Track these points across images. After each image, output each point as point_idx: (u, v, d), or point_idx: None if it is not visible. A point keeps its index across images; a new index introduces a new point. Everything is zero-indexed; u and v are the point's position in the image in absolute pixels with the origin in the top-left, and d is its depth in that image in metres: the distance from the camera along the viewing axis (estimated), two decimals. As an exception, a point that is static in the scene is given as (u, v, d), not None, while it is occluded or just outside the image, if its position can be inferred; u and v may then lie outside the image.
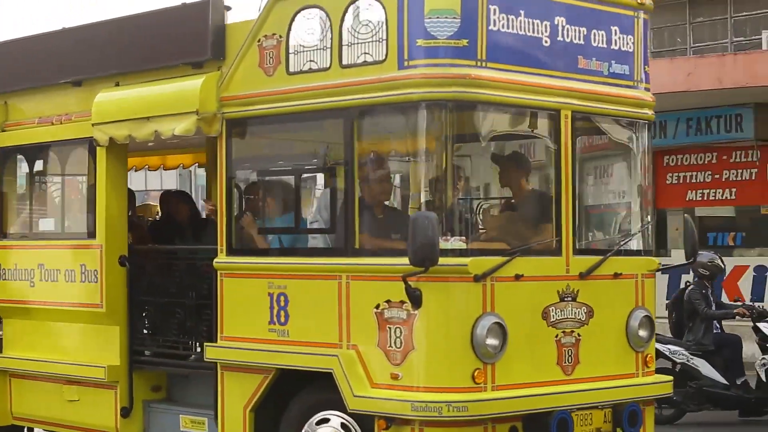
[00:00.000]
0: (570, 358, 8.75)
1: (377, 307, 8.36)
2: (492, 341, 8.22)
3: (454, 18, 8.22)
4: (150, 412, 10.36)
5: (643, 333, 9.19)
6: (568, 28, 8.84)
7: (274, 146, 9.55)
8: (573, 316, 8.77)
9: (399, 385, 8.25)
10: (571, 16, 8.88)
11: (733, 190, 20.10)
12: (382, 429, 8.23)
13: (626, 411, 8.86)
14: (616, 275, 9.07)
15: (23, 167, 11.45)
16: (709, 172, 20.33)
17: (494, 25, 8.39)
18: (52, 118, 10.89)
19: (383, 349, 8.33)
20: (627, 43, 9.26)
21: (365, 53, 8.52)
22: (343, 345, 8.56)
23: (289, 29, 8.94)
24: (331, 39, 8.68)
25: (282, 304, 8.97)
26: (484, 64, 8.32)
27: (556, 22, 8.78)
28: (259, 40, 9.12)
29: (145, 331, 10.40)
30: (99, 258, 10.29)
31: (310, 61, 8.85)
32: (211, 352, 9.40)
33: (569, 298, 8.74)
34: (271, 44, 9.07)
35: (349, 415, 8.49)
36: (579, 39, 8.92)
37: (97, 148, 10.31)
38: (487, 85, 8.29)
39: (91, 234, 10.41)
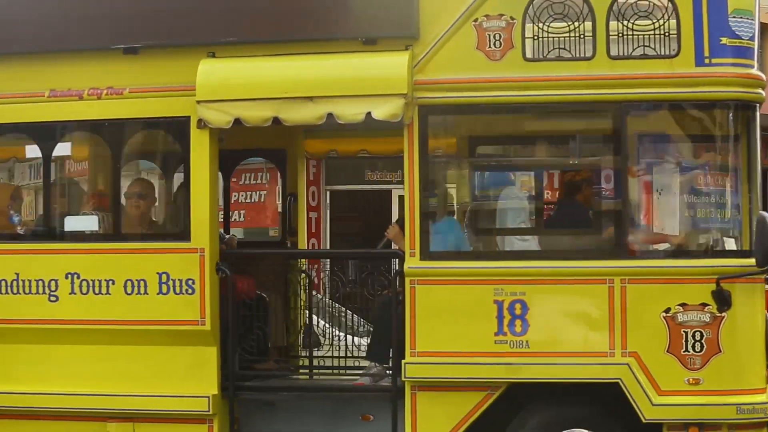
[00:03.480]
0: None
1: (667, 311, 8.03)
2: None
3: (752, 19, 8.19)
4: None
5: None
6: None
7: (492, 138, 8.57)
8: None
9: (700, 390, 8.00)
10: None
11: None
12: None
13: None
14: None
15: (28, 151, 8.94)
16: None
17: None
18: (81, 92, 8.72)
19: (676, 354, 8.02)
20: None
21: (645, 45, 8.13)
22: (615, 353, 8.08)
23: (527, 11, 8.21)
24: (594, 27, 8.15)
25: (518, 312, 8.19)
26: (757, 66, 8.37)
27: None
28: (476, 20, 8.24)
29: (251, 352, 8.70)
30: (198, 264, 8.47)
31: (560, 48, 8.20)
32: (412, 370, 8.24)
33: None
34: (497, 26, 8.24)
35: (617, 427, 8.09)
36: None
37: (194, 132, 8.51)
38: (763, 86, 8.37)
39: (183, 235, 8.54)
